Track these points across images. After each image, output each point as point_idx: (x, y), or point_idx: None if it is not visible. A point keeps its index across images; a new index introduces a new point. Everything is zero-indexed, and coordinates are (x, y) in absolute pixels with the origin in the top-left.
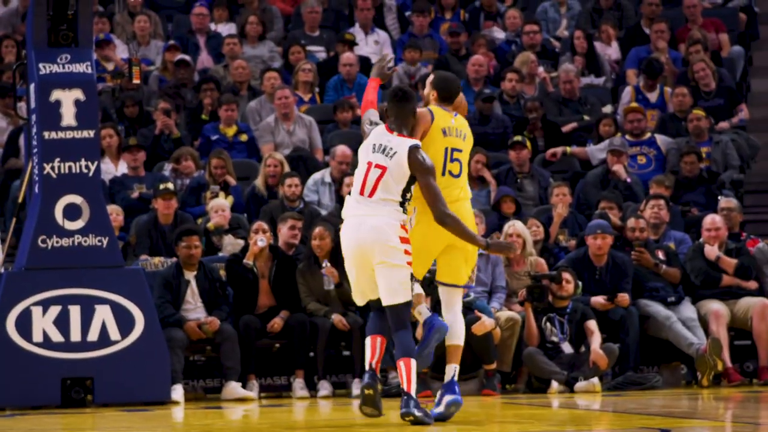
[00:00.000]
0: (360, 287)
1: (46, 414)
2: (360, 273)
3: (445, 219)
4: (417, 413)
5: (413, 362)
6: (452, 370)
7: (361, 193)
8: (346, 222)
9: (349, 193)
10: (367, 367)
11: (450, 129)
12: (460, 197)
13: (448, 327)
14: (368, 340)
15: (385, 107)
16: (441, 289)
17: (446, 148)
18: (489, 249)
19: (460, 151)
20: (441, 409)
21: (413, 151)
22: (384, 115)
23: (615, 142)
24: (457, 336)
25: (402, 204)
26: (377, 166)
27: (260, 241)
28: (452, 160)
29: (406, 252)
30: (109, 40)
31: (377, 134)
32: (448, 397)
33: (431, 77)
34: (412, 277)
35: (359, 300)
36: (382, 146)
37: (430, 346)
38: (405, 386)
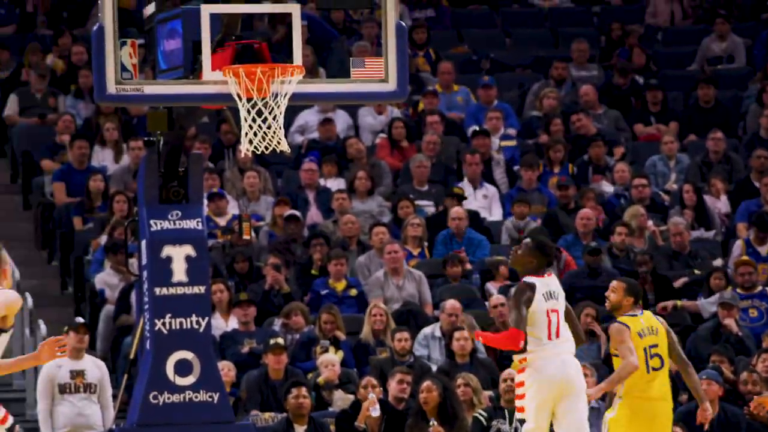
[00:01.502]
0: (543, 426)
1: None
2: (554, 408)
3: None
4: None
5: None
6: None
7: (549, 338)
8: (549, 360)
9: (524, 348)
10: None
11: (644, 330)
12: (662, 394)
13: None
14: None
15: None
16: None
17: (644, 349)
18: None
19: (656, 346)
20: None
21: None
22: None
23: (726, 295)
24: None
25: None
26: (553, 310)
27: (374, 411)
28: (652, 356)
29: None
30: (222, 195)
31: (541, 285)
32: None
33: (623, 285)
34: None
35: None
36: (549, 292)
37: None
38: None
